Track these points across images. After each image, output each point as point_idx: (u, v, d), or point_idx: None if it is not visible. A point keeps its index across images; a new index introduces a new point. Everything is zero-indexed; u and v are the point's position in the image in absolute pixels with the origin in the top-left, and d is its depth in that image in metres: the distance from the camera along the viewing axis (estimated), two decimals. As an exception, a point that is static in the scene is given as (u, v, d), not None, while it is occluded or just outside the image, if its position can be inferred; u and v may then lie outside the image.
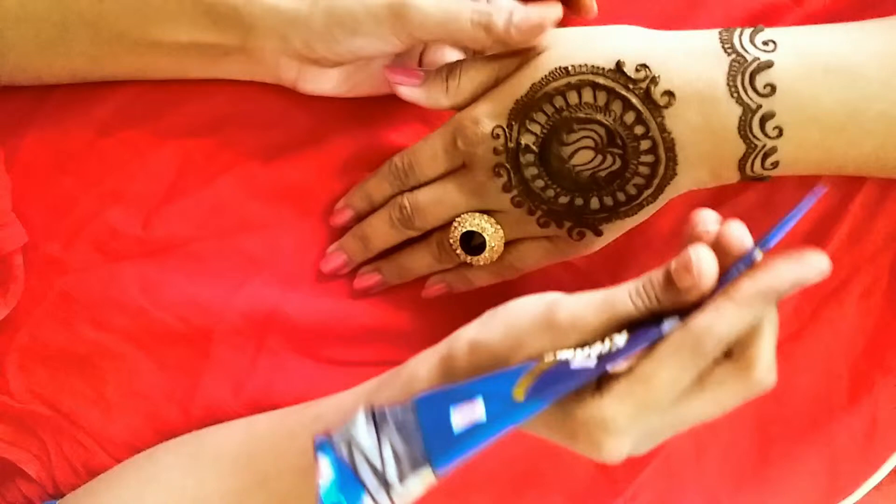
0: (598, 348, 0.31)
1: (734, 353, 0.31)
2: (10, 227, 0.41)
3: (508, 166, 0.39)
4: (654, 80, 0.37)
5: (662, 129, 0.37)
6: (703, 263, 0.30)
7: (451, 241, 0.42)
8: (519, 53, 0.39)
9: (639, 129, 0.37)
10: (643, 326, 0.32)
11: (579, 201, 0.39)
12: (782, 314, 0.35)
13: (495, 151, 0.39)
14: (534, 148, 0.39)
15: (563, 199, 0.40)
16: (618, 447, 0.31)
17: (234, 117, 0.44)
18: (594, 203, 0.39)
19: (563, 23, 0.39)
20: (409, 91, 0.41)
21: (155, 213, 0.43)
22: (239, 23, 0.39)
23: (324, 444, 0.33)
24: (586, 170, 0.39)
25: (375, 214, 0.43)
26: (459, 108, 0.40)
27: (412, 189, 0.42)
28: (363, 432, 0.32)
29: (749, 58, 0.36)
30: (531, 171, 0.39)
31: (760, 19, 0.43)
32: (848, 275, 0.45)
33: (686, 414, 0.32)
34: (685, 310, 0.31)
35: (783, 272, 0.30)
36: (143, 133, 0.43)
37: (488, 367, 0.33)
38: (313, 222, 0.45)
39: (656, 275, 0.32)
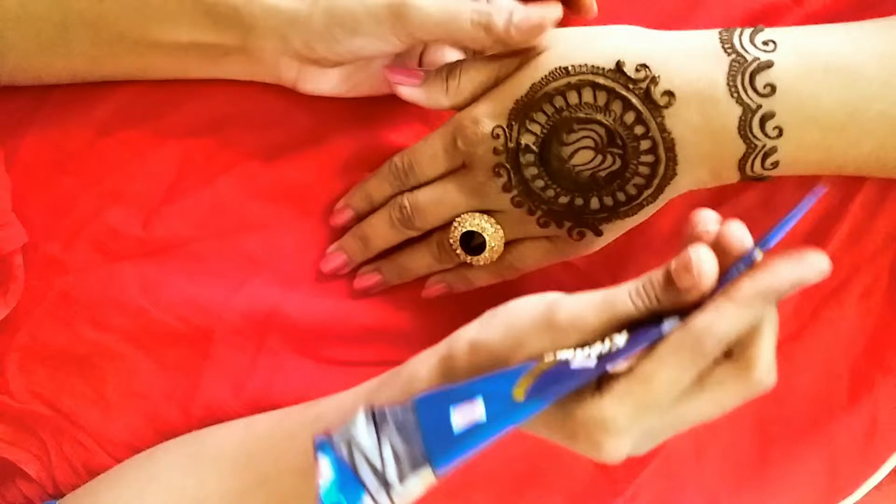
0: (598, 348, 0.31)
1: (734, 353, 0.31)
2: (10, 227, 0.41)
3: (508, 166, 0.39)
4: (654, 80, 0.37)
5: (662, 129, 0.37)
6: (703, 263, 0.30)
7: (451, 241, 0.42)
8: (519, 53, 0.39)
9: (639, 129, 0.37)
10: (643, 326, 0.32)
11: (579, 201, 0.39)
12: (782, 314, 0.35)
13: (495, 151, 0.39)
14: (534, 148, 0.39)
15: (563, 199, 0.40)
16: (618, 447, 0.31)
17: (234, 117, 0.44)
18: (594, 203, 0.39)
19: (563, 23, 0.39)
20: (409, 91, 0.41)
21: (155, 213, 0.43)
22: (239, 23, 0.39)
23: (324, 444, 0.33)
24: (586, 170, 0.39)
25: (375, 214, 0.43)
26: (459, 108, 0.40)
27: (412, 189, 0.42)
28: (363, 432, 0.32)
29: (749, 58, 0.36)
30: (531, 171, 0.39)
31: (760, 19, 0.43)
32: (848, 275, 0.45)
33: (686, 414, 0.32)
34: (685, 310, 0.31)
35: (783, 272, 0.30)
36: (143, 133, 0.43)
37: (488, 367, 0.33)
38: (313, 222, 0.45)
39: (656, 275, 0.32)
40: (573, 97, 0.38)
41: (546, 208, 0.40)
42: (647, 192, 0.39)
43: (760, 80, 0.36)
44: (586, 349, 0.31)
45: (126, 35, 0.40)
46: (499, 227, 0.41)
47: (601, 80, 0.37)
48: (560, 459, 0.45)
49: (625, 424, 0.31)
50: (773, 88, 0.36)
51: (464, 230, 0.41)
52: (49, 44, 0.40)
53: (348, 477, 0.32)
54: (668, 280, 0.32)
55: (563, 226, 0.40)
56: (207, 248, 0.44)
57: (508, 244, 0.42)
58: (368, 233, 0.43)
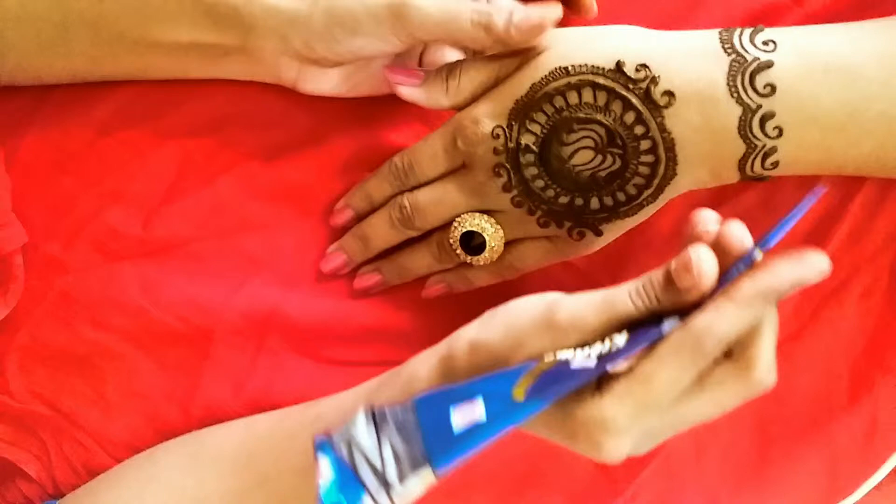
0: (598, 348, 0.31)
1: (734, 353, 0.31)
2: (10, 227, 0.41)
3: (508, 166, 0.39)
4: (654, 80, 0.37)
5: (662, 129, 0.37)
6: (703, 263, 0.30)
7: (451, 241, 0.42)
8: (519, 53, 0.39)
9: (639, 129, 0.37)
10: (643, 326, 0.32)
11: (579, 201, 0.39)
12: (782, 314, 0.35)
13: (495, 151, 0.39)
14: (534, 148, 0.39)
15: (563, 199, 0.40)
16: (618, 447, 0.31)
17: (234, 117, 0.44)
18: (594, 203, 0.39)
19: (563, 23, 0.39)
20: (409, 91, 0.41)
21: (155, 213, 0.43)
22: (239, 23, 0.39)
23: (324, 444, 0.33)
24: (586, 170, 0.39)
25: (375, 214, 0.43)
26: (459, 108, 0.40)
27: (412, 189, 0.42)
28: (363, 432, 0.32)
29: (749, 58, 0.36)
30: (531, 171, 0.39)
31: (760, 19, 0.43)
32: (848, 275, 0.45)
33: (686, 414, 0.32)
34: (685, 310, 0.31)
35: (783, 272, 0.30)
36: (143, 133, 0.43)
37: (488, 367, 0.33)
38: (313, 222, 0.45)
39: (656, 275, 0.32)
40: (573, 97, 0.38)
41: (546, 208, 0.40)
42: (647, 192, 0.39)
43: (760, 80, 0.36)
44: (586, 349, 0.31)
45: (126, 35, 0.40)
46: (499, 227, 0.41)
47: (601, 80, 0.37)
48: (560, 459, 0.45)
49: (625, 424, 0.31)
50: (773, 88, 0.36)
51: (464, 230, 0.41)
52: (49, 44, 0.40)
53: (348, 477, 0.32)
54: (668, 280, 0.32)
55: (563, 226, 0.40)
56: (207, 248, 0.44)
57: (508, 244, 0.42)
58: (368, 233, 0.43)
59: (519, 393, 0.31)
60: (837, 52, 0.36)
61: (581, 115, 0.38)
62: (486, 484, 0.44)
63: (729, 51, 0.36)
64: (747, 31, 0.37)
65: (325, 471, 0.32)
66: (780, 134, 0.36)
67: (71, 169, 0.43)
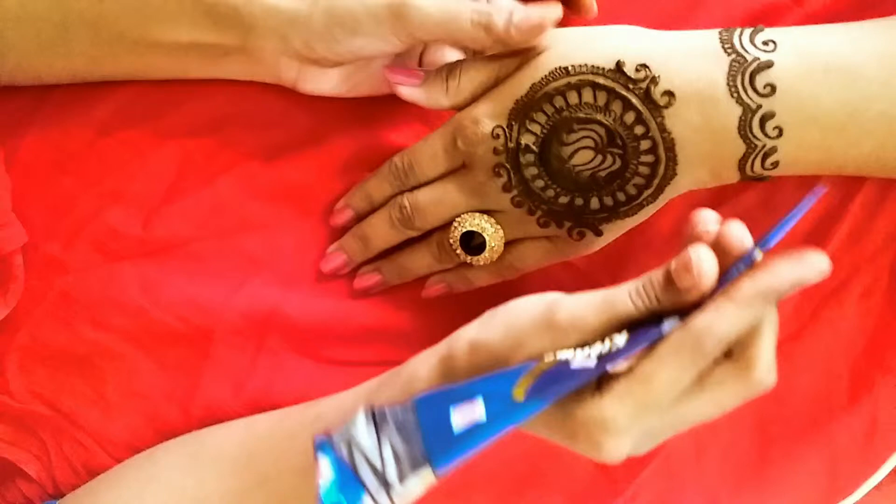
0: (598, 348, 0.31)
1: (734, 353, 0.31)
2: (10, 227, 0.41)
3: (508, 166, 0.39)
4: (654, 80, 0.37)
5: (662, 129, 0.37)
6: (703, 263, 0.30)
7: (451, 241, 0.42)
8: (519, 53, 0.39)
9: (639, 129, 0.37)
10: (643, 326, 0.32)
11: (579, 201, 0.39)
12: (782, 314, 0.35)
13: (495, 151, 0.39)
14: (534, 148, 0.39)
15: (563, 199, 0.40)
16: (618, 447, 0.31)
17: (234, 117, 0.44)
18: (594, 203, 0.39)
19: (563, 23, 0.39)
20: (409, 91, 0.41)
21: (155, 213, 0.43)
22: (239, 23, 0.39)
23: (324, 444, 0.33)
24: (586, 170, 0.39)
25: (375, 214, 0.43)
26: (459, 108, 0.40)
27: (412, 189, 0.42)
28: (363, 432, 0.32)
29: (749, 58, 0.36)
30: (531, 171, 0.39)
31: (760, 19, 0.43)
32: (848, 275, 0.45)
33: (686, 414, 0.32)
34: (685, 310, 0.31)
35: (783, 272, 0.30)
36: (143, 133, 0.43)
37: (488, 367, 0.33)
38: (313, 222, 0.45)
39: (656, 275, 0.32)
40: (573, 97, 0.38)
41: (546, 208, 0.40)
42: (647, 192, 0.39)
43: (760, 80, 0.36)
44: (586, 349, 0.31)
45: (126, 35, 0.40)
46: (499, 227, 0.41)
47: (601, 80, 0.37)
48: (560, 459, 0.45)
49: (625, 424, 0.31)
50: (773, 88, 0.36)
51: (464, 230, 0.41)
52: (49, 44, 0.40)
53: (348, 477, 0.32)
54: (668, 280, 0.32)
55: (563, 226, 0.40)
56: (207, 248, 0.44)
57: (508, 244, 0.42)
58: (368, 233, 0.43)
59: (519, 393, 0.31)
60: (837, 52, 0.36)
61: (581, 115, 0.38)
62: (486, 484, 0.44)
63: (729, 51, 0.36)
64: (747, 31, 0.37)
65: (325, 471, 0.32)
66: (780, 134, 0.36)
67: (71, 169, 0.43)
